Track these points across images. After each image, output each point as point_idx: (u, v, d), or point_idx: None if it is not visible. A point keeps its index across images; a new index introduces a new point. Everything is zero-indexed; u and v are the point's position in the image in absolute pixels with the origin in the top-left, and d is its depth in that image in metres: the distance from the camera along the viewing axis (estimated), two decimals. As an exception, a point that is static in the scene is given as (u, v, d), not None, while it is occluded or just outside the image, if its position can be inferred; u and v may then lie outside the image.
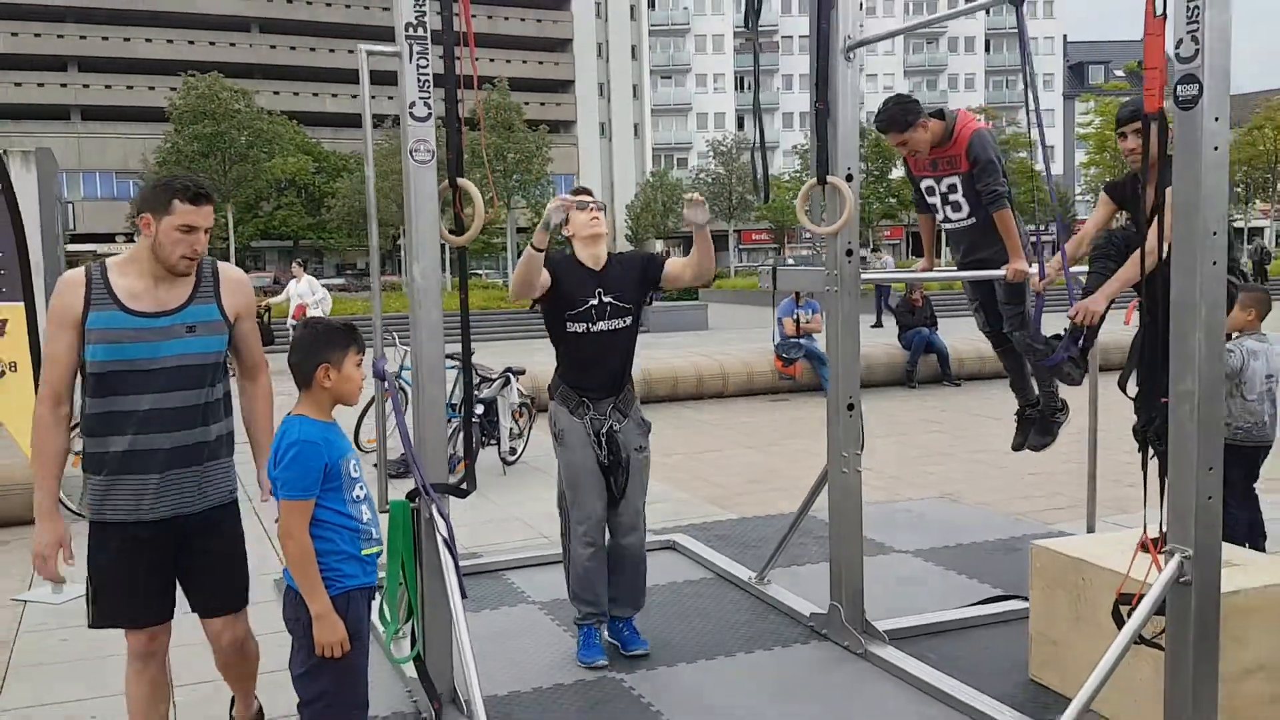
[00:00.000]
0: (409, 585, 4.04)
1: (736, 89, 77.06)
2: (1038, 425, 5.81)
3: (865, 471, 8.68)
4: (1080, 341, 4.89)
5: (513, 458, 8.96)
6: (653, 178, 59.72)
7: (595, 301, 4.49)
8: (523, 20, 63.66)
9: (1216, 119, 3.07)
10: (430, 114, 3.93)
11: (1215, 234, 3.10)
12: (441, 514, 3.95)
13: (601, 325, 4.51)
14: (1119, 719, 3.92)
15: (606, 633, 4.76)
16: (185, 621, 3.56)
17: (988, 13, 76.75)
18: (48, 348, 3.22)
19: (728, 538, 6.60)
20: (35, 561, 3.33)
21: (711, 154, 55.07)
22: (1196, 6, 3.03)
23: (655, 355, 14.77)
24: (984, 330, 5.89)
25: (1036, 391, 5.80)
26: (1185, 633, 3.23)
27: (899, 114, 5.23)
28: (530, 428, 9.39)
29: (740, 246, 63.68)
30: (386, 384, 4.16)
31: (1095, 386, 5.78)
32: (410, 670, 4.21)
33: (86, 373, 3.21)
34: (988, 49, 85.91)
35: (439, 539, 3.92)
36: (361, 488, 3.21)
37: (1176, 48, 3.10)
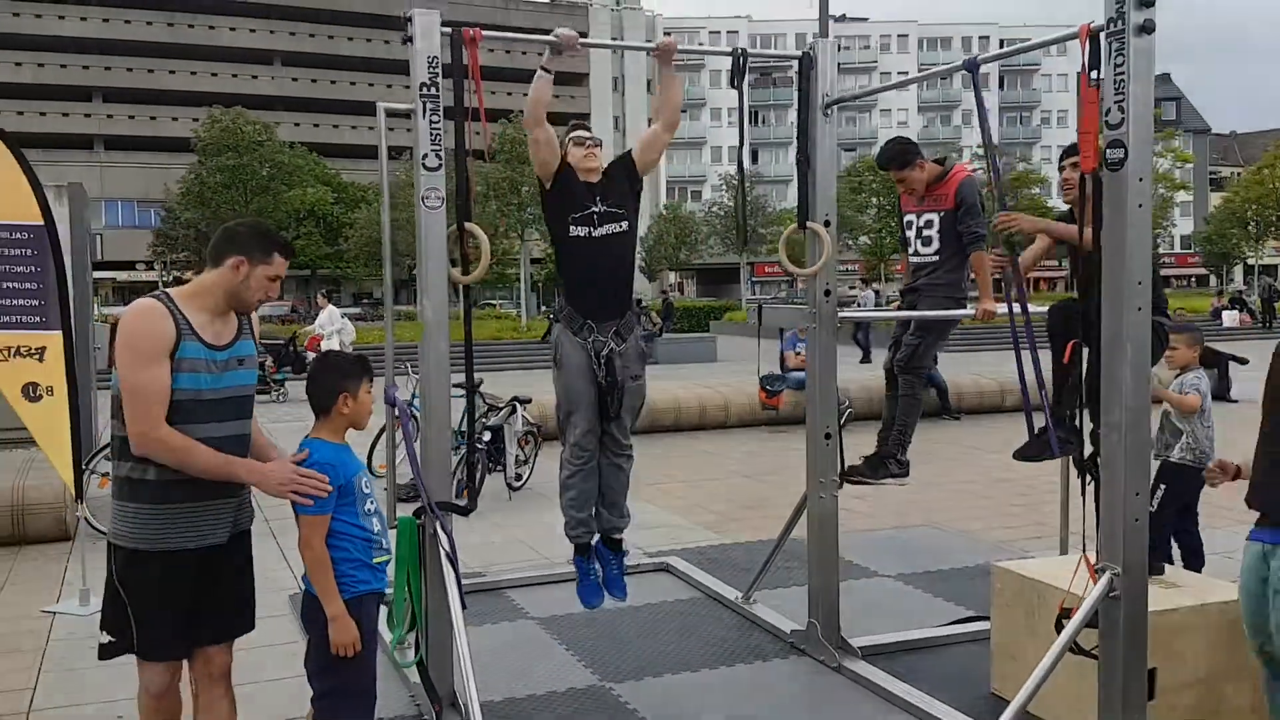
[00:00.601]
0: (414, 596, 4.39)
1: (751, 123, 77.76)
2: (871, 460, 5.92)
3: (856, 500, 9.06)
4: (1067, 420, 5.02)
5: (519, 484, 9.30)
6: (665, 210, 60.28)
7: (596, 209, 4.72)
8: (540, 54, 64.48)
9: (1141, 179, 3.43)
10: (441, 165, 4.31)
11: (1140, 283, 3.45)
12: (445, 530, 4.30)
13: (602, 230, 4.72)
14: (1067, 727, 4.24)
15: (598, 565, 4.98)
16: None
17: (1001, 44, 77.58)
18: (142, 376, 3.18)
19: (719, 561, 6.92)
20: (291, 485, 3.31)
21: (724, 187, 55.62)
22: (1123, 79, 3.41)
23: (661, 386, 15.11)
24: (886, 366, 5.98)
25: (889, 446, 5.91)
26: (1115, 643, 3.56)
27: (898, 152, 5.59)
28: (536, 455, 9.72)
29: (754, 279, 64.12)
30: (397, 410, 4.53)
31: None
32: (414, 675, 4.55)
33: None
34: (1001, 85, 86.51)
35: (442, 553, 4.26)
36: (372, 502, 3.56)
37: (1105, 116, 3.47)
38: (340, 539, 3.46)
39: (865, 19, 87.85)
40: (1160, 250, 70.68)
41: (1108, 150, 3.45)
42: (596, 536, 4.98)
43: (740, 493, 9.41)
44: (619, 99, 74.24)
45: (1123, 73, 3.40)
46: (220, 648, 3.51)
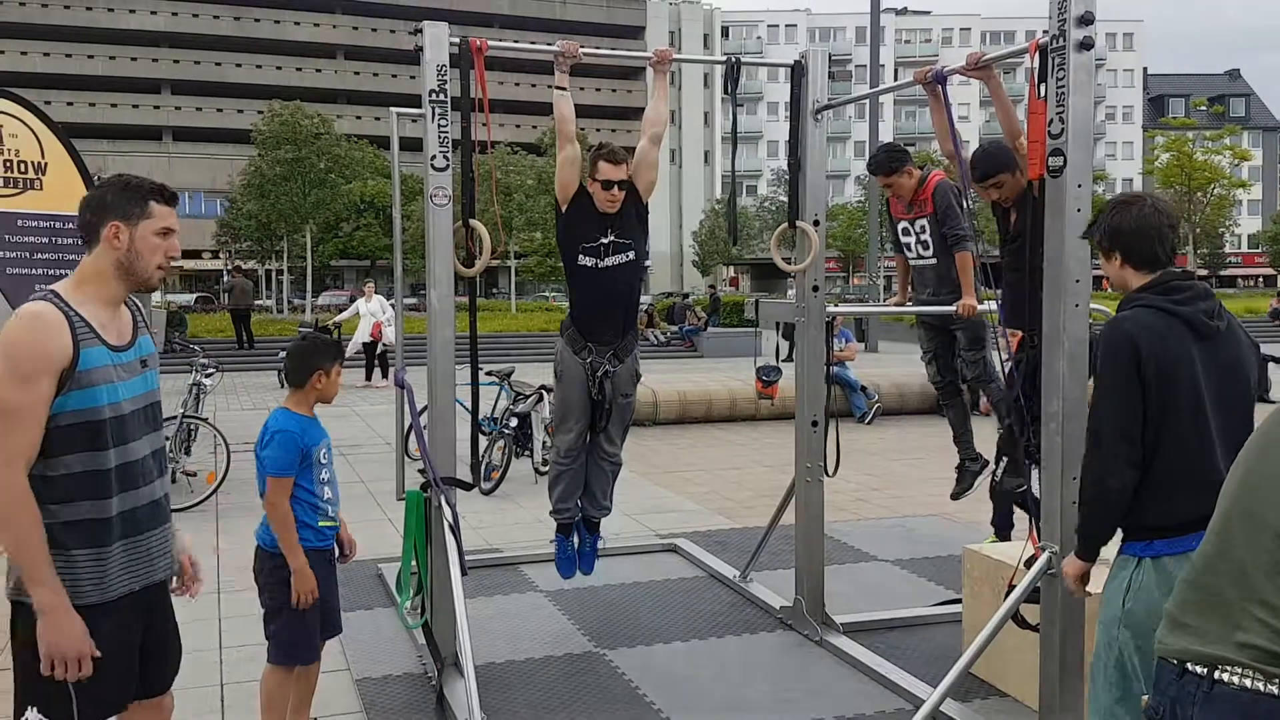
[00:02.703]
0: (420, 563, 4.77)
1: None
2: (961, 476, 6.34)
3: (874, 491, 9.28)
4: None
5: (545, 468, 9.65)
6: (718, 205, 60.45)
7: (606, 239, 5.04)
8: (597, 49, 64.77)
9: (1080, 185, 3.68)
10: (448, 165, 4.67)
11: (1079, 281, 3.71)
12: (449, 503, 4.65)
13: (609, 261, 5.06)
14: (1022, 698, 4.50)
15: (575, 539, 5.52)
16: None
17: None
18: (19, 397, 2.53)
19: (727, 544, 7.23)
20: (60, 665, 2.60)
21: (778, 183, 55.68)
22: (1063, 92, 3.66)
23: (693, 379, 15.43)
24: (934, 382, 6.40)
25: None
26: (1054, 616, 3.82)
27: (886, 160, 5.90)
28: (564, 441, 10.07)
29: (807, 274, 63.99)
30: (405, 391, 4.91)
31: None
32: (420, 636, 4.93)
33: (62, 425, 2.62)
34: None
35: (445, 524, 4.62)
36: (328, 473, 3.93)
37: (1048, 126, 3.72)
38: (290, 500, 3.83)
39: (928, 12, 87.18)
40: (1225, 250, 69.42)
41: (1050, 159, 3.71)
42: (578, 517, 5.52)
43: (760, 482, 9.68)
44: (674, 92, 74.49)
45: (1063, 86, 3.65)
46: (168, 694, 3.04)
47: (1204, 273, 64.84)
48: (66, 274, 6.20)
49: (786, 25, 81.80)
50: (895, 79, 73.21)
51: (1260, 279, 76.35)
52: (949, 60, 5.26)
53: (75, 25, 59.38)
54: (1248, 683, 1.78)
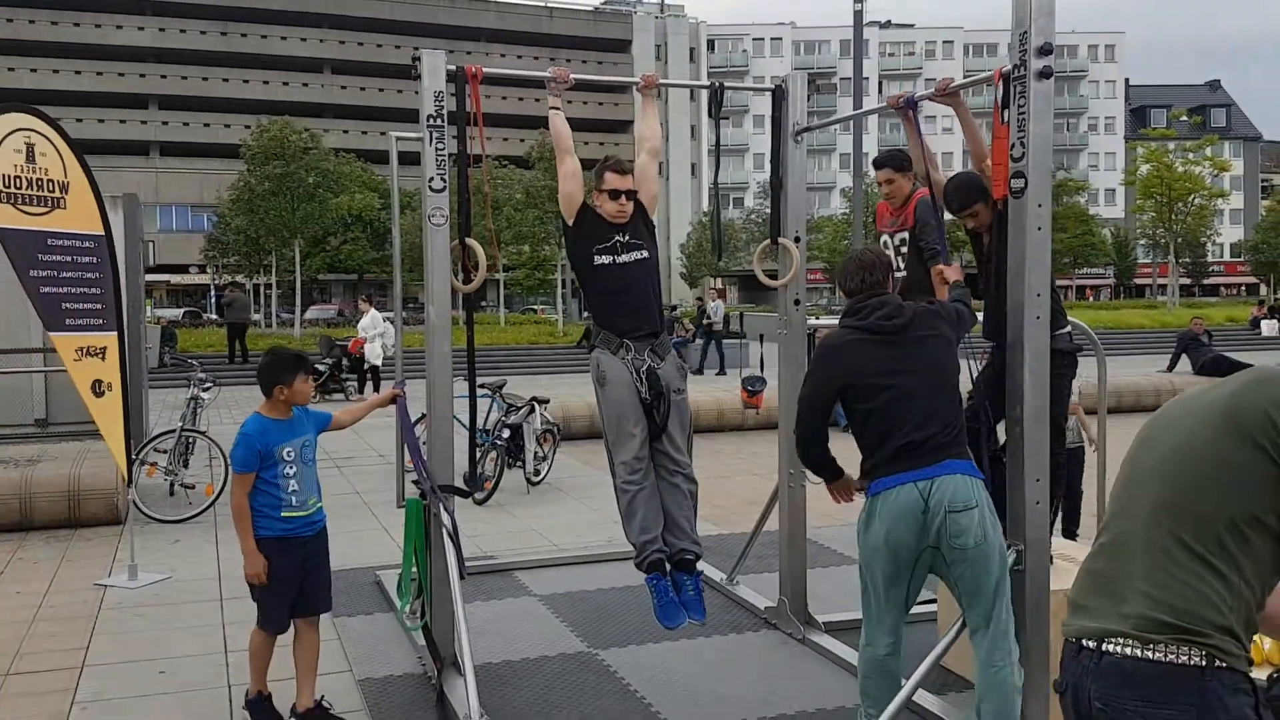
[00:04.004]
0: (420, 568, 4.98)
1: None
2: None
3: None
4: None
5: (537, 479, 9.88)
6: (705, 218, 60.79)
7: (621, 239, 4.91)
8: (584, 63, 65.38)
9: (1040, 205, 3.93)
10: (445, 187, 4.90)
11: (1039, 295, 3.95)
12: (446, 510, 4.87)
13: (624, 257, 4.90)
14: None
15: (672, 585, 4.80)
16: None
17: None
18: None
19: (715, 549, 7.44)
20: None
21: (764, 195, 56.05)
22: (1023, 118, 3.91)
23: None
24: None
25: None
26: (1021, 609, 4.05)
27: (902, 156, 6.07)
28: (555, 451, 10.30)
29: (794, 285, 64.36)
30: (399, 402, 5.15)
31: (1104, 425, 6.22)
32: (420, 638, 5.14)
33: None
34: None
35: (444, 531, 4.84)
36: (294, 469, 4.38)
37: (1010, 150, 3.97)
38: (254, 492, 4.35)
39: (911, 25, 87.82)
40: (1208, 259, 70.01)
41: (1011, 181, 3.96)
42: (666, 553, 4.80)
43: (746, 489, 9.92)
44: (661, 106, 74.83)
45: (1024, 113, 3.91)
46: None
47: (1187, 281, 65.48)
48: (86, 293, 6.43)
49: (772, 38, 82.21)
50: (880, 92, 73.70)
51: (1243, 288, 77.00)
52: (931, 72, 5.47)
53: (62, 41, 59.53)
54: (1129, 650, 2.00)
